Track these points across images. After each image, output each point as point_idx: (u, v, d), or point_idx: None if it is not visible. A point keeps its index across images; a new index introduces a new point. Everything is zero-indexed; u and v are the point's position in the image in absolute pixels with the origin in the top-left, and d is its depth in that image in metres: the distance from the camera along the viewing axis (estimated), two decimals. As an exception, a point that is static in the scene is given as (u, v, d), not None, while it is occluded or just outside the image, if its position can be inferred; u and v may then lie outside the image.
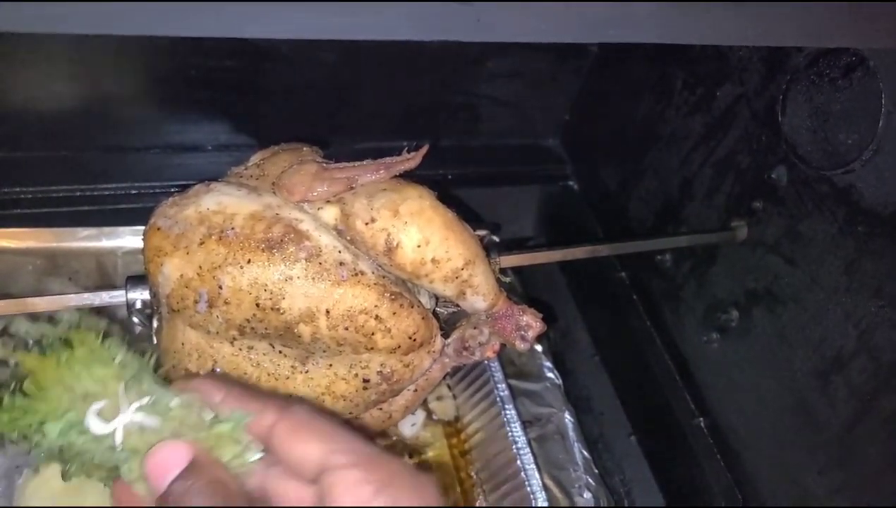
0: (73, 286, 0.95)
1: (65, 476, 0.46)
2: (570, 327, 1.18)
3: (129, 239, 0.98)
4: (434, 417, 0.96)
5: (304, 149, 0.63)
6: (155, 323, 0.63)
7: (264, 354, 0.58)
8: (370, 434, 0.76)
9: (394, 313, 0.56)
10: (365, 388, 0.59)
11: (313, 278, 0.54)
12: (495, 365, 0.92)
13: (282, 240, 0.54)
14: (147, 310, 0.63)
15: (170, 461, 0.40)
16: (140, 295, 0.63)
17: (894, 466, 0.65)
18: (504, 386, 0.91)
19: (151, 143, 1.01)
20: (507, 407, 0.89)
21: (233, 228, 0.55)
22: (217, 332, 0.57)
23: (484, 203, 1.15)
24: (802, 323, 0.75)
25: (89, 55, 0.89)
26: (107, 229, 0.97)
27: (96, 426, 0.42)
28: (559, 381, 1.06)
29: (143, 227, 0.95)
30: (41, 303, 0.61)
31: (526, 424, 0.97)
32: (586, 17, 0.48)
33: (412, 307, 0.57)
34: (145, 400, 0.42)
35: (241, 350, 0.58)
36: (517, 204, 1.21)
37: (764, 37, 0.51)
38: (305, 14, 0.43)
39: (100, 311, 0.90)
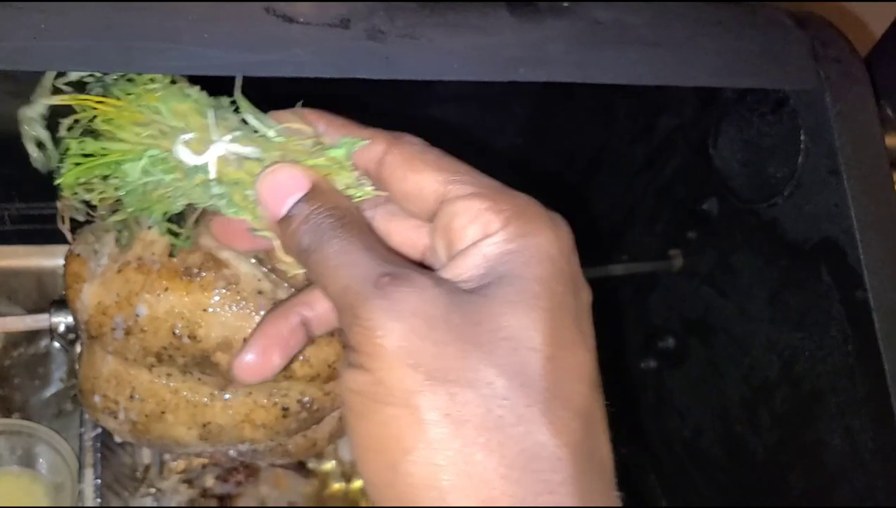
0: (12, 305, 0.94)
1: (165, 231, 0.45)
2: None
3: (72, 257, 0.97)
4: (377, 441, 0.95)
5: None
6: (78, 349, 0.63)
7: (183, 381, 0.57)
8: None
9: (312, 342, 0.56)
10: (284, 417, 0.58)
11: (231, 307, 0.54)
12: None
13: (200, 268, 0.54)
14: (70, 335, 0.63)
15: (289, 184, 0.36)
16: (64, 320, 0.63)
17: (810, 494, 0.66)
18: (445, 410, 0.91)
19: (97, 162, 1.00)
20: (447, 431, 0.89)
21: (152, 254, 0.55)
22: (135, 359, 0.56)
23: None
24: (732, 353, 0.76)
25: (33, 74, 0.88)
26: (47, 248, 0.96)
27: (187, 157, 0.38)
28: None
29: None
30: (-41, 327, 0.60)
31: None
32: (497, 56, 0.49)
33: (332, 336, 0.57)
34: (237, 132, 0.39)
35: (159, 377, 0.57)
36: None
37: (675, 77, 0.53)
38: (217, 51, 0.43)
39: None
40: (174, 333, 0.54)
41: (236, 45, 0.43)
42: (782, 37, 0.57)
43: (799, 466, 0.68)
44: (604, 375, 1.00)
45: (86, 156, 0.42)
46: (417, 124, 1.13)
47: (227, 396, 0.58)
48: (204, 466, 0.87)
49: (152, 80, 0.42)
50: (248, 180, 0.38)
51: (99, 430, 0.77)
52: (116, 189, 0.42)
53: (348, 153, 0.38)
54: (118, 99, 0.42)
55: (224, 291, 0.54)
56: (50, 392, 0.88)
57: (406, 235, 0.39)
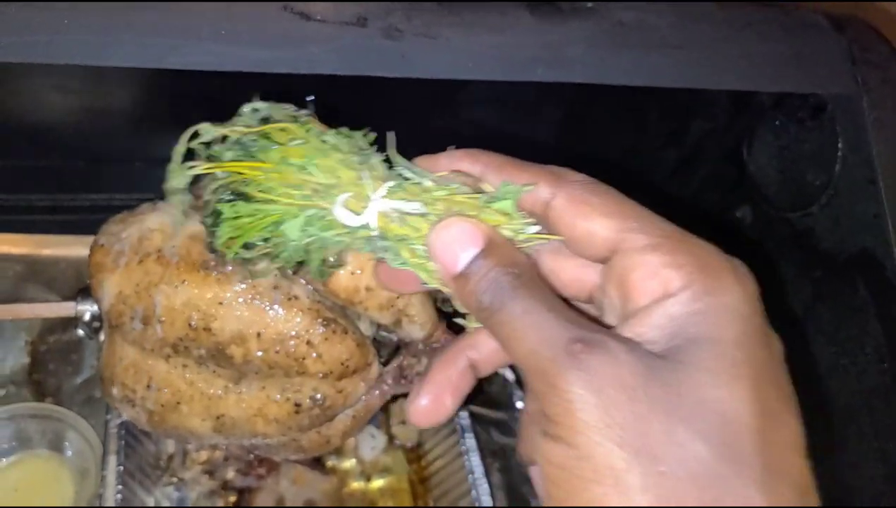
0: (51, 292, 0.97)
1: (321, 273, 0.45)
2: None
3: (108, 248, 1.00)
4: (397, 442, 0.95)
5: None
6: (101, 337, 0.64)
7: (198, 373, 0.58)
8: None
9: (326, 338, 0.56)
10: (297, 412, 0.59)
11: (246, 301, 0.55)
12: (458, 392, 0.91)
13: (217, 262, 0.55)
14: (96, 324, 0.64)
15: (463, 240, 0.35)
16: (90, 308, 0.64)
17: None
18: (465, 414, 0.90)
19: (134, 156, 1.02)
20: (466, 435, 0.88)
21: (172, 247, 0.56)
22: (152, 349, 0.57)
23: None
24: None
25: (76, 69, 0.91)
26: (86, 238, 0.98)
27: (348, 219, 0.39)
28: (529, 411, 1.05)
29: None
30: (-10, 312, 0.62)
31: (490, 454, 0.96)
32: (515, 56, 0.48)
33: (346, 333, 0.57)
34: (389, 184, 0.39)
35: (175, 367, 0.58)
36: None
37: (698, 80, 0.51)
38: (233, 48, 0.44)
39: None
40: (190, 325, 0.55)
41: (253, 42, 0.44)
42: (818, 40, 0.55)
43: (828, 492, 0.66)
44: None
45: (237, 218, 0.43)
46: (449, 126, 1.13)
47: (241, 390, 0.59)
48: (226, 459, 0.88)
49: (285, 130, 0.42)
50: (414, 235, 0.37)
51: (124, 418, 0.78)
52: (276, 247, 0.43)
53: (515, 202, 0.37)
54: (261, 161, 0.42)
55: (240, 286, 0.54)
56: (81, 378, 0.90)
57: (573, 274, 0.38)
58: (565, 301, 0.36)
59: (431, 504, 0.91)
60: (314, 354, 0.56)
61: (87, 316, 0.63)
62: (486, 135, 1.13)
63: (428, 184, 0.38)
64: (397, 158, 0.41)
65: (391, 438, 0.95)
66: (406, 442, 0.95)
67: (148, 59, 0.43)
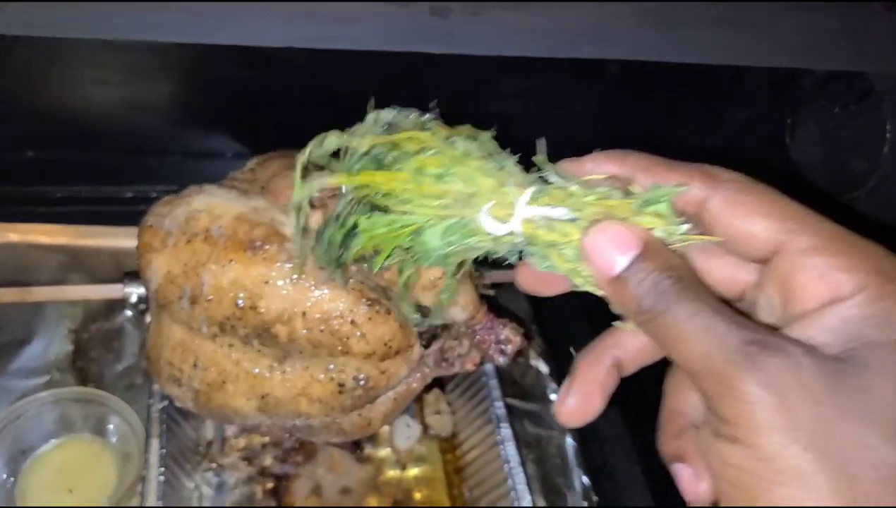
0: (92, 282, 0.98)
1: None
2: (580, 351, 1.17)
3: (148, 240, 1.02)
4: (431, 432, 0.95)
5: (296, 155, 0.64)
6: (148, 319, 0.65)
7: (244, 352, 0.59)
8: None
9: (369, 318, 0.56)
10: (340, 392, 0.59)
11: (292, 280, 0.55)
12: (493, 383, 0.91)
13: (263, 242, 0.55)
14: (142, 306, 0.66)
15: (619, 244, 0.35)
16: (136, 290, 0.65)
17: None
18: (501, 404, 0.90)
19: (172, 148, 1.04)
20: (501, 425, 0.88)
21: (219, 228, 0.56)
22: (199, 328, 0.58)
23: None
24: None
25: (118, 61, 0.93)
26: (127, 229, 1.00)
27: (494, 228, 0.39)
28: (564, 404, 1.05)
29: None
30: (42, 293, 0.64)
31: (525, 445, 0.96)
32: (562, 33, 0.48)
33: (389, 314, 0.57)
34: (532, 189, 0.39)
35: (221, 347, 0.59)
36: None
37: (747, 58, 0.51)
38: (278, 24, 0.45)
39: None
40: (237, 304, 0.56)
41: (297, 17, 0.44)
42: (868, 17, 0.54)
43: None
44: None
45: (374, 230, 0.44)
46: (482, 119, 1.13)
47: (285, 369, 0.59)
48: (264, 446, 0.89)
49: (414, 139, 0.42)
50: (564, 240, 0.37)
51: (166, 402, 0.79)
52: (414, 256, 0.44)
53: (669, 205, 0.37)
54: (395, 171, 0.42)
55: (286, 265, 0.55)
56: (123, 366, 0.92)
57: (724, 272, 0.38)
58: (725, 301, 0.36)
59: (466, 494, 0.91)
60: (358, 334, 0.56)
61: (133, 298, 0.65)
62: (520, 122, 1.13)
63: (573, 188, 0.38)
64: (546, 164, 0.41)
65: (425, 428, 0.95)
66: (440, 432, 0.96)
67: (198, 35, 0.44)
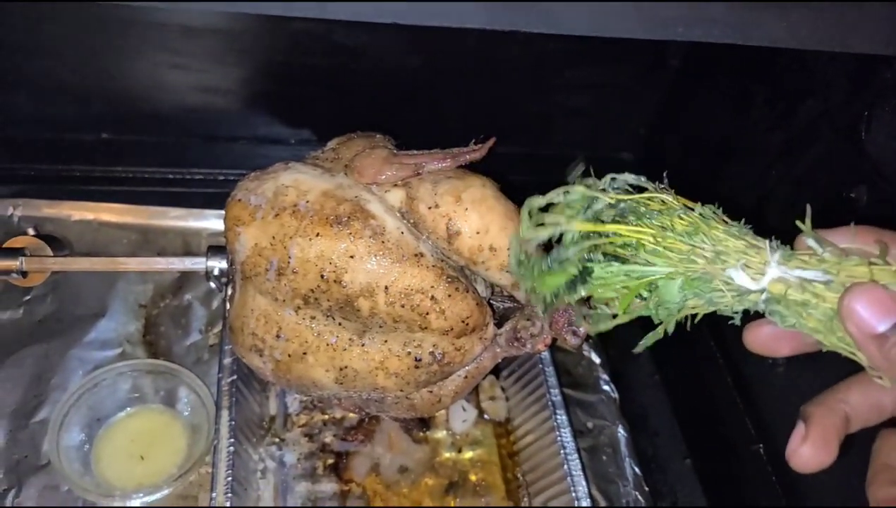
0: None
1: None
2: (631, 343, 1.17)
3: (213, 221, 1.05)
4: (486, 416, 0.97)
5: (377, 136, 0.66)
6: (229, 291, 0.68)
7: (325, 325, 0.61)
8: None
9: (449, 295, 0.58)
10: (417, 367, 0.61)
11: (376, 255, 0.57)
12: (549, 370, 0.92)
13: (349, 218, 0.57)
14: (223, 278, 0.68)
15: (883, 306, 0.38)
16: (218, 264, 0.68)
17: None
18: (557, 391, 0.91)
19: (241, 134, 1.07)
20: (558, 412, 0.89)
21: (306, 203, 0.58)
22: (284, 300, 0.60)
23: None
24: (873, 350, 0.72)
25: (192, 47, 0.96)
26: (195, 211, 1.04)
27: (745, 281, 0.42)
28: (615, 395, 1.05)
29: (227, 211, 1.02)
30: (131, 263, 0.67)
31: (577, 433, 0.97)
32: (655, 14, 0.49)
33: (467, 292, 0.59)
34: (782, 252, 0.43)
35: (304, 319, 0.61)
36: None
37: (843, 42, 0.51)
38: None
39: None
40: (322, 277, 0.58)
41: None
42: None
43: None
44: (721, 372, 0.97)
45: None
46: (543, 111, 1.14)
47: (364, 342, 0.61)
48: (325, 423, 0.91)
49: (659, 201, 0.46)
50: (815, 300, 0.41)
51: (235, 377, 0.82)
52: (653, 306, 0.46)
53: None
54: (647, 225, 0.45)
55: (371, 241, 0.57)
56: (190, 341, 0.95)
57: None
58: None
59: (521, 478, 0.92)
60: (437, 310, 0.58)
61: (216, 271, 0.67)
62: (579, 119, 1.14)
63: (825, 254, 0.42)
64: (806, 229, 0.44)
65: (481, 412, 0.96)
66: (495, 417, 0.97)
67: (310, 8, 0.45)
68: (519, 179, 1.14)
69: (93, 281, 0.96)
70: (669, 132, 1.11)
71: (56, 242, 0.82)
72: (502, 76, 1.05)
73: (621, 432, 1.01)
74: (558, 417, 0.89)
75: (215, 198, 1.09)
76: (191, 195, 1.04)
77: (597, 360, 1.08)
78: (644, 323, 1.17)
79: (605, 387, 1.06)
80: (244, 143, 1.09)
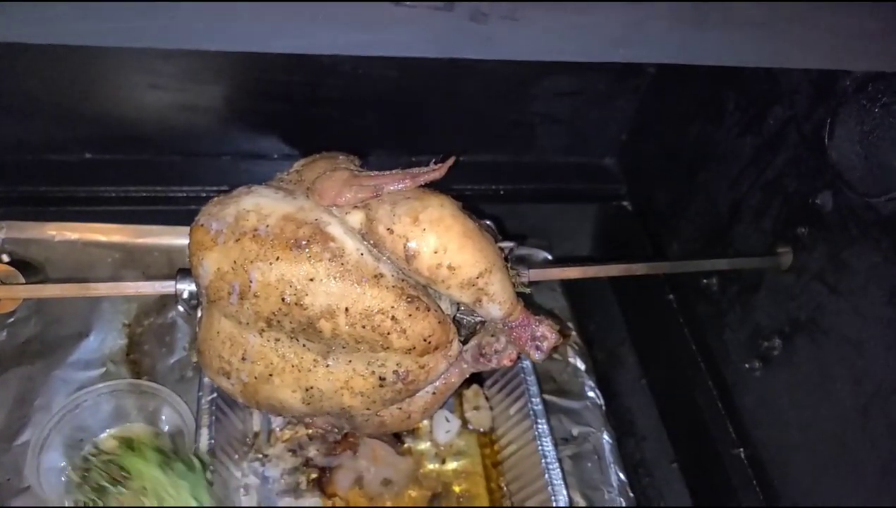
0: (145, 278, 1.03)
1: None
2: (618, 348, 1.17)
3: (197, 238, 1.07)
4: (470, 427, 0.97)
5: (340, 157, 0.67)
6: (199, 313, 0.68)
7: (289, 347, 0.62)
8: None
9: (409, 315, 0.58)
10: (381, 386, 0.61)
11: (335, 278, 0.58)
12: (531, 379, 0.93)
13: (308, 241, 0.58)
14: (193, 301, 0.69)
15: None
16: (188, 287, 0.69)
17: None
18: (538, 400, 0.91)
19: (223, 150, 1.08)
20: (539, 421, 0.89)
21: (266, 227, 0.59)
22: (247, 323, 0.61)
23: (537, 219, 1.16)
24: (844, 355, 0.72)
25: (171, 67, 0.97)
26: (179, 228, 1.05)
27: None
28: (600, 401, 1.05)
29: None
30: (101, 288, 0.68)
31: (562, 441, 0.97)
32: (597, 36, 0.49)
33: (428, 310, 0.59)
34: None
35: (268, 341, 0.62)
36: (570, 221, 1.21)
37: (784, 59, 0.51)
38: (330, 31, 0.47)
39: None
40: (283, 300, 0.58)
41: (348, 24, 0.46)
42: (908, 16, 0.54)
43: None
44: (703, 376, 0.97)
45: None
46: (524, 120, 1.14)
47: (328, 363, 0.62)
48: (310, 438, 0.92)
49: None
50: None
51: (215, 395, 0.83)
52: None
53: None
54: None
55: (330, 263, 0.58)
56: (174, 359, 0.96)
57: None
58: None
59: (504, 488, 0.93)
60: (398, 329, 0.58)
61: (185, 294, 0.68)
62: (560, 126, 1.14)
63: None
64: None
65: (465, 422, 0.97)
66: (479, 427, 0.97)
67: (253, 43, 0.46)
68: (505, 187, 1.16)
69: (77, 301, 0.97)
70: (648, 137, 1.11)
71: (30, 268, 0.83)
72: (482, 87, 1.05)
73: (606, 438, 1.01)
74: (539, 426, 0.89)
75: (198, 215, 1.11)
76: (175, 212, 1.05)
77: (582, 367, 1.08)
78: (637, 332, 1.16)
79: (591, 394, 1.06)
80: (227, 159, 1.10)
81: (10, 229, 1.00)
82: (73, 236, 1.02)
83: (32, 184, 1.03)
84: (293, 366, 0.62)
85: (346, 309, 0.58)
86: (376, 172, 0.63)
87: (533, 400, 0.91)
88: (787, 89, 0.79)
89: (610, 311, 1.22)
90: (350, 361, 0.61)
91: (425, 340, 0.59)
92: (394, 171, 0.62)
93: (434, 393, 0.66)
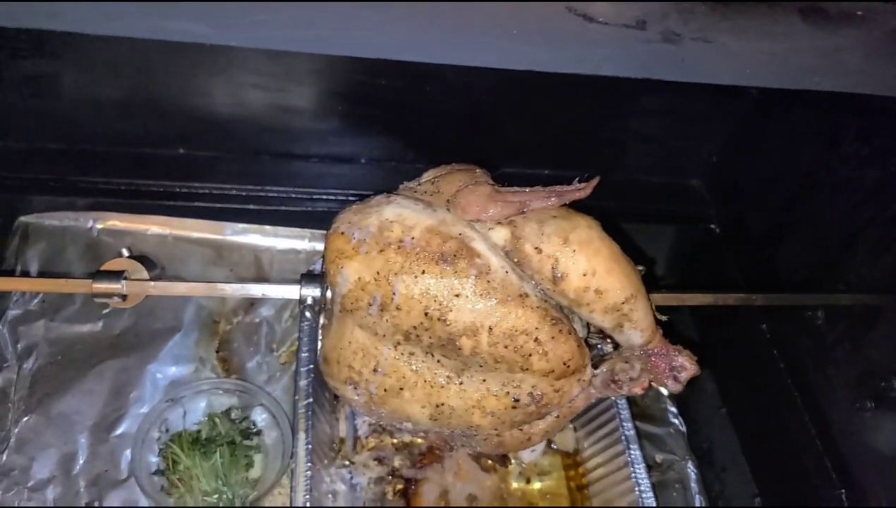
0: (233, 276, 1.03)
1: None
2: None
3: (284, 239, 1.06)
4: (554, 447, 0.96)
5: (477, 170, 0.66)
6: (322, 320, 0.68)
7: (423, 362, 0.60)
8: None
9: (552, 337, 0.57)
10: (514, 408, 0.60)
11: (481, 295, 0.56)
12: (622, 403, 0.91)
13: (455, 256, 0.57)
14: (316, 307, 0.68)
15: None
16: (311, 292, 0.68)
17: None
18: (630, 425, 0.89)
19: (313, 153, 1.08)
20: (632, 447, 0.87)
21: (412, 239, 0.58)
22: (384, 335, 0.60)
23: (619, 238, 1.14)
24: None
25: (273, 68, 0.97)
26: (267, 228, 1.05)
27: None
28: (683, 429, 1.03)
29: (298, 229, 1.02)
30: (228, 289, 0.67)
31: (647, 468, 0.95)
32: (791, 63, 0.48)
33: (570, 334, 0.58)
34: None
35: (402, 355, 0.61)
36: (652, 241, 1.19)
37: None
38: (522, 46, 0.46)
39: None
40: (426, 314, 0.57)
41: (540, 41, 0.45)
42: None
43: None
44: (799, 411, 0.93)
45: None
46: (615, 137, 1.12)
47: (461, 380, 0.61)
48: (395, 447, 0.91)
49: None
50: None
51: (310, 399, 0.82)
52: None
53: None
54: None
55: (476, 280, 0.56)
56: (261, 358, 0.96)
57: None
58: None
59: (592, 512, 0.91)
60: (540, 351, 0.57)
61: (309, 300, 0.67)
62: (651, 145, 1.12)
63: None
64: None
65: (549, 442, 0.95)
66: (563, 448, 0.96)
67: (445, 56, 0.45)
68: (591, 204, 1.14)
69: (171, 296, 0.97)
70: (743, 161, 1.09)
71: (148, 262, 0.83)
72: (577, 103, 1.04)
73: (691, 467, 0.99)
74: (632, 452, 0.87)
75: (288, 216, 1.10)
76: (263, 212, 1.05)
77: (664, 391, 1.06)
78: (717, 359, 1.13)
79: (674, 420, 1.04)
80: (316, 161, 1.09)
81: (106, 219, 1.00)
82: (166, 230, 1.02)
83: (127, 177, 1.03)
84: (426, 381, 0.61)
85: (490, 328, 0.57)
86: (518, 188, 0.62)
87: (625, 424, 0.89)
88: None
89: (686, 334, 1.19)
90: (485, 380, 0.60)
91: (565, 363, 0.58)
92: (536, 188, 0.61)
93: (558, 417, 0.65)
